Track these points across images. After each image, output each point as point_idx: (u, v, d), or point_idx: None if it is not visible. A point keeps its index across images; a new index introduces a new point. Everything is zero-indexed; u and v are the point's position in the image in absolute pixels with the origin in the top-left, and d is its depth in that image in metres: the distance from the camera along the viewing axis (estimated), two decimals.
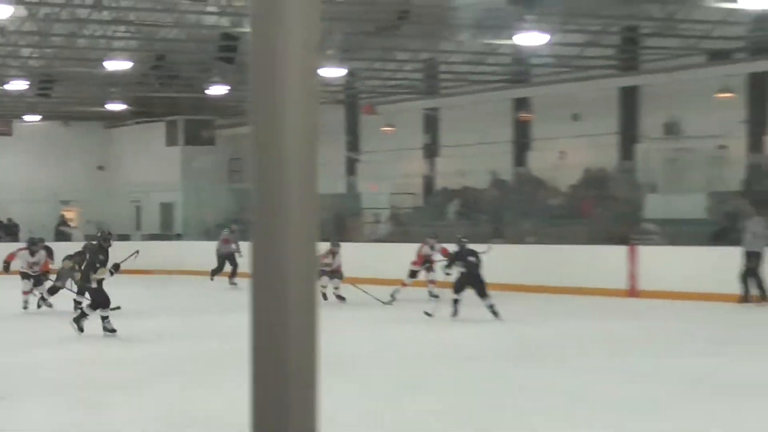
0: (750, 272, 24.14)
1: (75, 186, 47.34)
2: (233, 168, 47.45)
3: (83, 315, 19.83)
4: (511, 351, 18.30)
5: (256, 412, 2.39)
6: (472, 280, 21.74)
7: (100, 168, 50.75)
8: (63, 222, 44.01)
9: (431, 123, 40.00)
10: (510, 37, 27.11)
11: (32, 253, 25.00)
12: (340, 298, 26.64)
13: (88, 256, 21.22)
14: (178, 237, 40.07)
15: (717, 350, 17.74)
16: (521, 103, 36.46)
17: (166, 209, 46.01)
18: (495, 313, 21.31)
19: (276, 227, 2.32)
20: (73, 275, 24.01)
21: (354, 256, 26.62)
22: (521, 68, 35.07)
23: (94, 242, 21.54)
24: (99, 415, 13.02)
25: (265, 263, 2.30)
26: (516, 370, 15.89)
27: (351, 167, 42.71)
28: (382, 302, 25.41)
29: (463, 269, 21.90)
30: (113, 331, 19.80)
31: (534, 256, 26.18)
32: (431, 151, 39.91)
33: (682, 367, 15.93)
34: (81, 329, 19.50)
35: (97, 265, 19.79)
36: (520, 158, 37.06)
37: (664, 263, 26.66)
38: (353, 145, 42.72)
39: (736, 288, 24.14)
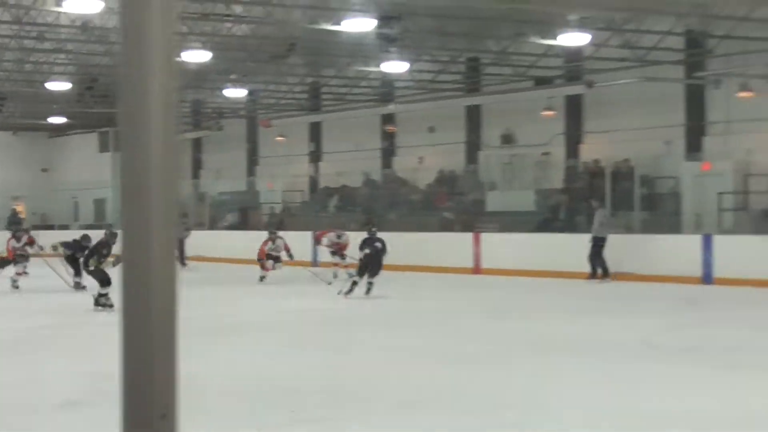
0: (596, 254, 24.24)
1: (23, 185, 46.85)
2: None
3: (101, 296, 19.09)
4: (379, 318, 18.41)
5: (126, 375, 2.32)
6: (373, 262, 20.92)
7: (44, 170, 50.29)
8: (14, 214, 43.31)
9: (316, 133, 39.98)
10: (378, 65, 27.27)
11: (18, 239, 24.11)
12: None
13: (92, 246, 20.68)
14: (109, 226, 39.65)
15: (539, 315, 18.04)
16: (388, 118, 36.45)
17: (99, 204, 45.26)
18: (368, 290, 20.70)
19: (141, 218, 2.28)
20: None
21: (254, 241, 26.28)
22: (387, 90, 35.10)
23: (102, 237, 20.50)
24: None
25: (132, 246, 2.25)
26: (379, 332, 16.03)
27: (251, 169, 42.51)
28: (327, 282, 24.07)
29: (368, 251, 20.96)
30: (112, 306, 18.51)
31: (398, 242, 26.24)
32: (315, 156, 39.85)
33: (511, 328, 16.22)
34: (111, 305, 18.51)
35: (101, 258, 19.39)
36: (387, 162, 37.02)
37: (501, 247, 26.87)
38: (253, 152, 42.53)
39: (559, 266, 24.52)
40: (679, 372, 12.52)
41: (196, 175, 45.01)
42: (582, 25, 23.10)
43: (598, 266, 24.36)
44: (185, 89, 33.88)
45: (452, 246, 27.74)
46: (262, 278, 25.25)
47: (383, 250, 21.19)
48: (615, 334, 15.46)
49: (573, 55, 27.87)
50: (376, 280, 21.00)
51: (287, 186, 39.82)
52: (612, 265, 23.81)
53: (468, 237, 28.13)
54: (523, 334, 15.44)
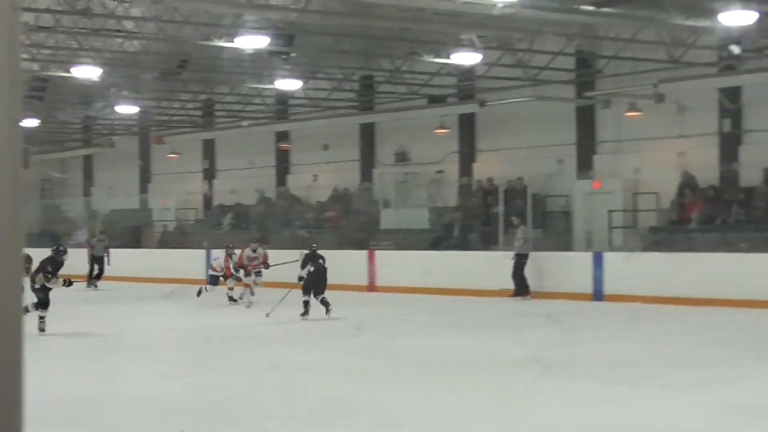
0: (518, 271, 24.34)
1: None
2: (44, 187, 46.62)
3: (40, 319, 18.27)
4: (272, 335, 18.69)
5: None
6: (318, 279, 20.17)
7: None
8: None
9: (209, 150, 40.04)
10: (272, 82, 27.48)
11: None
12: (231, 299, 24.05)
13: (39, 263, 19.26)
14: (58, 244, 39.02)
15: (434, 332, 18.43)
16: (282, 135, 36.62)
17: None
18: (327, 308, 19.98)
19: None
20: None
21: (147, 259, 26.21)
22: (282, 107, 35.36)
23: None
24: None
25: None
26: (274, 349, 16.37)
27: (144, 186, 42.39)
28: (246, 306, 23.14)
29: (311, 269, 20.08)
30: (43, 330, 18.03)
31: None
32: (209, 174, 39.91)
33: (406, 345, 16.52)
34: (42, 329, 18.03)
35: (48, 275, 18.46)
36: (281, 179, 37.22)
37: (396, 264, 27.17)
38: (145, 169, 42.43)
39: (453, 283, 24.89)
40: (570, 386, 12.81)
41: (87, 192, 44.74)
42: (474, 45, 23.56)
43: (519, 284, 24.42)
44: (76, 105, 33.79)
45: (346, 263, 27.97)
46: (199, 293, 23.81)
47: (325, 266, 20.39)
48: (508, 349, 15.75)
49: (466, 74, 28.30)
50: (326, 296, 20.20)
51: (180, 203, 39.69)
52: (506, 283, 24.24)
53: (363, 254, 28.39)
54: (418, 351, 15.66)
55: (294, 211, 34.80)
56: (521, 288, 24.19)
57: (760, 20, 19.25)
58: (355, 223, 31.90)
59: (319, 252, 20.84)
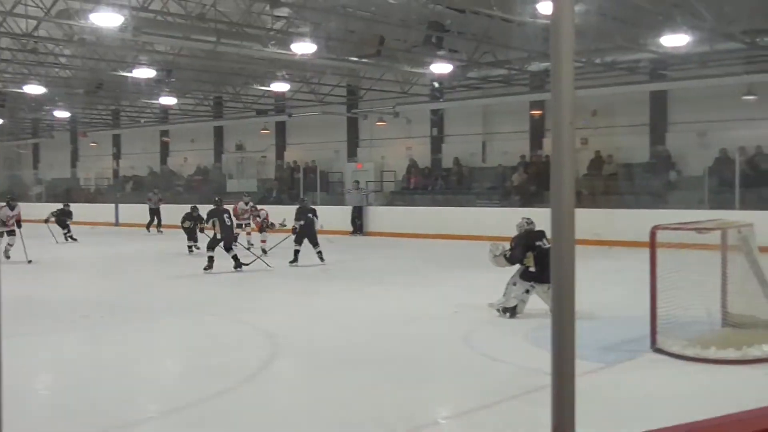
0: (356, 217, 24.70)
1: None
2: (7, 164, 44.71)
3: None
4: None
5: None
6: (309, 230, 16.06)
7: None
8: None
9: (117, 142, 39.18)
10: (158, 98, 27.34)
11: (11, 208, 17.14)
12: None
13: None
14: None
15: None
16: (164, 133, 36.50)
17: None
18: (321, 258, 16.06)
19: None
20: None
21: (76, 211, 25.48)
22: (164, 114, 34.65)
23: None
24: None
25: None
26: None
27: (74, 163, 41.19)
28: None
29: (302, 222, 15.99)
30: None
31: (177, 210, 26.15)
32: (117, 156, 39.17)
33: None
34: None
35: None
36: (164, 160, 36.84)
37: None
38: (75, 153, 41.24)
39: None
40: (347, 284, 13.81)
41: (36, 167, 43.27)
42: (285, 79, 24.17)
43: (357, 226, 24.57)
44: (27, 111, 32.72)
45: (204, 213, 27.98)
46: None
47: (314, 218, 16.25)
48: (316, 262, 15.77)
49: (279, 96, 28.63)
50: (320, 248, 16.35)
51: (98, 175, 38.89)
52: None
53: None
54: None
55: (172, 180, 34.82)
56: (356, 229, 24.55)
57: (454, 70, 20.74)
58: (211, 188, 32.13)
59: (310, 206, 16.94)
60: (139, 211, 30.71)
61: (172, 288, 13.51)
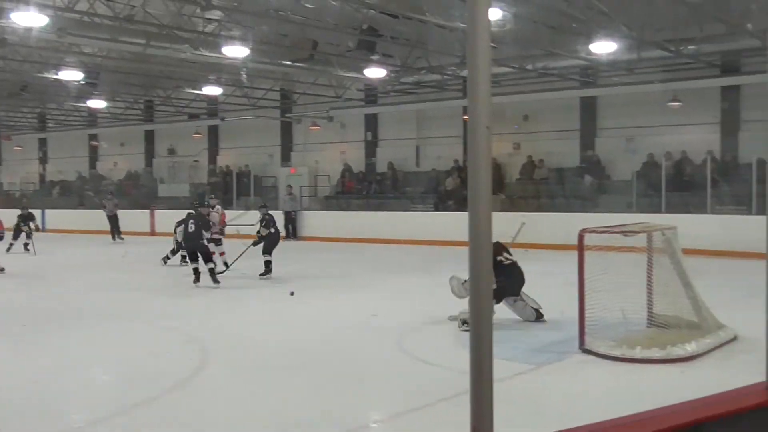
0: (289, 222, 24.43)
1: None
2: None
3: None
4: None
5: None
6: (276, 240, 15.19)
7: None
8: None
9: (43, 145, 38.21)
10: (85, 102, 26.78)
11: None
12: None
13: None
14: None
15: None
16: (93, 136, 35.79)
17: None
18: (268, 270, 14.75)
19: None
20: None
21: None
22: (93, 118, 33.98)
23: None
24: None
25: None
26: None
27: None
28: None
29: (273, 230, 14.99)
30: None
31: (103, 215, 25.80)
32: (43, 160, 38.24)
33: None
34: None
35: None
36: (93, 164, 36.15)
37: (168, 218, 26.88)
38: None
39: None
40: (284, 292, 13.78)
41: None
42: (218, 82, 23.93)
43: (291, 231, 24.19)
44: None
45: (138, 218, 27.74)
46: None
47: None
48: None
49: (213, 100, 28.43)
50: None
51: (23, 180, 37.85)
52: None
53: (147, 213, 28.37)
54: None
55: (102, 185, 34.14)
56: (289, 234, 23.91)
57: (388, 75, 20.85)
58: (141, 193, 31.71)
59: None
60: (68, 216, 30.10)
61: (100, 295, 13.21)
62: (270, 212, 15.60)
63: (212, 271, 13.60)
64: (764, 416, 2.85)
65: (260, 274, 14.64)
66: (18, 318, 10.64)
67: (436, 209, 23.26)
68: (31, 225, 20.96)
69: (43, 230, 28.71)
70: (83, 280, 15.49)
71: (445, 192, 23.59)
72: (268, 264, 14.75)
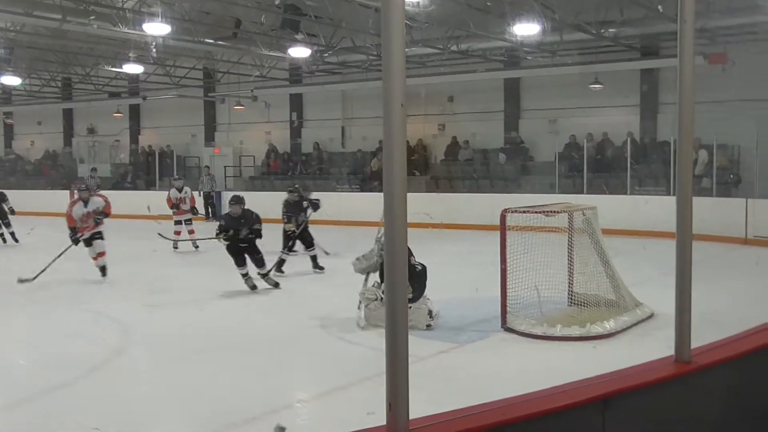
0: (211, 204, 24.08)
1: None
2: None
3: None
4: None
5: None
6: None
7: None
8: None
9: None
10: None
11: None
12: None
13: None
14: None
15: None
16: (8, 114, 34.67)
17: None
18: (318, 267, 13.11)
19: None
20: None
21: None
22: (6, 96, 32.94)
23: None
24: None
25: None
26: None
27: None
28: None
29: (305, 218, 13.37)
30: None
31: (21, 197, 25.09)
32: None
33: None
34: None
35: None
36: (8, 143, 35.10)
37: None
38: None
39: (134, 211, 24.60)
40: (205, 273, 13.51)
41: None
42: (139, 60, 23.31)
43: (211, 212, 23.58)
44: None
45: (56, 200, 26.84)
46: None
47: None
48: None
49: (134, 78, 27.79)
50: None
51: None
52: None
53: (66, 193, 27.48)
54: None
55: (18, 164, 33.09)
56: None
57: (312, 55, 20.70)
58: (60, 173, 30.89)
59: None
60: None
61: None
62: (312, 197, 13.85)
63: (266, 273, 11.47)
64: (672, 388, 2.97)
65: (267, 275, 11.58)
66: None
67: (362, 190, 23.24)
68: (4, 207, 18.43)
69: None
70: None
71: (371, 173, 23.61)
72: (280, 264, 12.62)
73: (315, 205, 13.67)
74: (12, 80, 25.62)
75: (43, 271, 11.69)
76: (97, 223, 12.50)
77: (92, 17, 16.38)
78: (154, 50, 21.36)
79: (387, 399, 2.17)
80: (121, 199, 25.43)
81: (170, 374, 6.88)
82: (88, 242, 12.45)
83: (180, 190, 16.68)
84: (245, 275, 11.04)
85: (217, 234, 10.99)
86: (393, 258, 2.18)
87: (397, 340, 2.17)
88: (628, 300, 8.73)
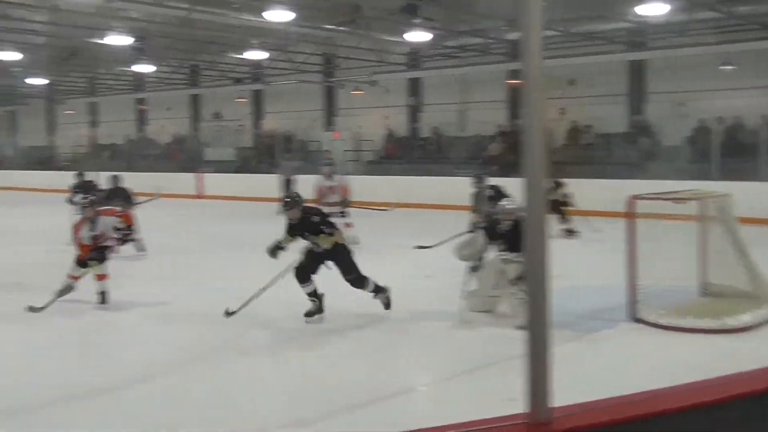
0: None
1: None
2: None
3: None
4: None
5: None
6: None
7: None
8: None
9: (92, 109, 38.75)
10: (130, 66, 26.93)
11: None
12: None
13: None
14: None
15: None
16: (140, 101, 36.14)
17: None
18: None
19: None
20: None
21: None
22: (139, 82, 34.26)
23: None
24: None
25: None
26: None
27: (52, 131, 40.58)
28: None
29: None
30: None
31: (149, 180, 26.17)
32: (93, 124, 38.67)
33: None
34: None
35: None
36: (141, 128, 36.64)
37: (215, 181, 27.38)
38: (50, 120, 40.62)
39: (258, 193, 25.23)
40: None
41: (12, 133, 42.75)
42: (262, 47, 23.78)
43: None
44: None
45: (184, 181, 27.90)
46: None
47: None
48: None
49: (256, 65, 28.25)
50: None
51: (75, 142, 38.18)
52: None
53: (192, 176, 28.45)
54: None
55: (151, 148, 34.47)
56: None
57: (432, 39, 20.53)
58: (187, 157, 31.92)
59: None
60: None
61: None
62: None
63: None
64: None
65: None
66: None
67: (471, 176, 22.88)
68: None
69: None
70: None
71: (489, 157, 23.34)
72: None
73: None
74: (145, 68, 26.61)
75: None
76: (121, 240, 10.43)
77: (219, 7, 16.80)
78: (286, 39, 21.67)
79: (527, 385, 2.10)
80: (244, 182, 26.41)
81: (297, 355, 6.97)
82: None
83: (328, 177, 13.93)
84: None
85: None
86: (533, 245, 2.11)
87: (539, 324, 2.11)
88: (767, 292, 8.27)
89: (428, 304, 8.87)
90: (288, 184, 21.29)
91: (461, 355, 6.83)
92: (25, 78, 30.50)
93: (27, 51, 24.44)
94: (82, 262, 9.10)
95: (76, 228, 9.30)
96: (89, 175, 15.73)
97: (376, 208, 15.12)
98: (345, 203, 13.62)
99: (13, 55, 23.66)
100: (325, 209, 11.89)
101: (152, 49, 24.48)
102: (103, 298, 9.11)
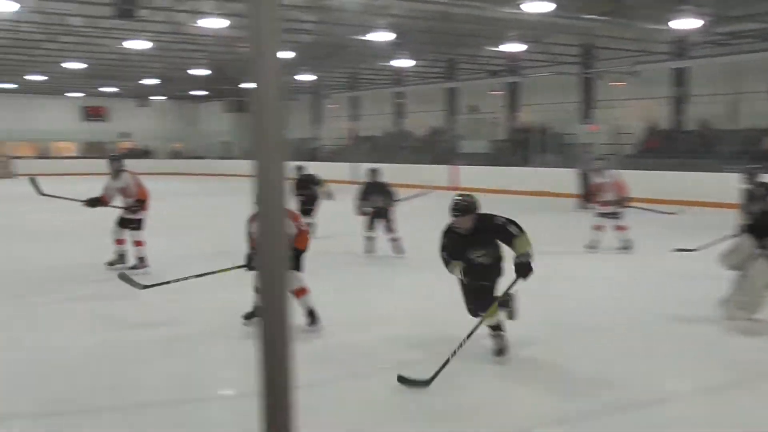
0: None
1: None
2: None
3: None
4: None
5: None
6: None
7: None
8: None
9: (354, 105, 40.67)
10: (388, 61, 27.79)
11: None
12: None
13: None
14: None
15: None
16: (400, 95, 37.32)
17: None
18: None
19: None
20: None
21: None
22: (398, 77, 35.26)
23: None
24: None
25: None
26: None
27: (318, 123, 43.21)
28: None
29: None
30: None
31: (408, 173, 26.75)
32: (355, 117, 40.40)
33: None
34: None
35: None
36: (397, 123, 37.90)
37: (470, 174, 27.37)
38: (318, 118, 43.13)
39: (509, 186, 25.06)
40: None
41: None
42: (519, 39, 23.48)
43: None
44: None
45: (440, 173, 28.40)
46: None
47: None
48: None
49: (513, 57, 27.80)
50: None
51: (336, 135, 39.80)
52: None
53: (446, 167, 29.00)
54: None
55: (408, 141, 35.29)
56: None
57: (703, 26, 19.17)
58: (443, 149, 32.42)
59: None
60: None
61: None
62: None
63: None
64: None
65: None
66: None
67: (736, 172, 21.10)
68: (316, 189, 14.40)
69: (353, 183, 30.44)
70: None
71: (763, 152, 21.51)
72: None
73: None
74: (405, 63, 27.40)
75: None
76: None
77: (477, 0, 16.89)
78: (541, 36, 21.30)
79: None
80: (498, 175, 26.36)
81: (555, 354, 6.86)
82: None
83: (599, 173, 12.59)
84: None
85: None
86: None
87: None
88: None
89: (692, 308, 8.34)
90: (586, 178, 19.25)
91: (726, 363, 6.35)
92: (294, 75, 32.49)
93: (297, 50, 25.99)
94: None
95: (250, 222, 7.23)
96: (309, 169, 15.19)
97: (661, 211, 13.72)
98: (621, 202, 12.32)
99: (287, 54, 25.29)
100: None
101: (411, 44, 25.10)
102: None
